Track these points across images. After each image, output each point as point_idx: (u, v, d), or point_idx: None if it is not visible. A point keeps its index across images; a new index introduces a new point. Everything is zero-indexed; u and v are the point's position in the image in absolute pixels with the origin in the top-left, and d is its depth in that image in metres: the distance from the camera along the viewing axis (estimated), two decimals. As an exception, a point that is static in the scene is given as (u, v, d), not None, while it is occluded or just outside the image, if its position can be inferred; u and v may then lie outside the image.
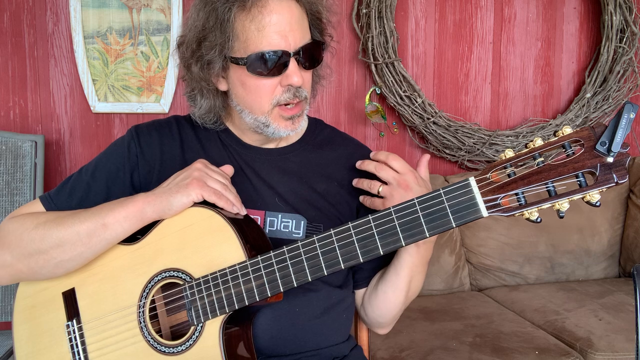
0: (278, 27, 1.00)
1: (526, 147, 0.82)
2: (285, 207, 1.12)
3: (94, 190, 1.12)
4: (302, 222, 1.11)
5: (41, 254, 1.04)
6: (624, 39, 2.69)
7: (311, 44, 1.05)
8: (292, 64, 1.02)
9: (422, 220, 0.87)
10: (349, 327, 1.23)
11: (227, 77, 1.09)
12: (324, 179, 1.16)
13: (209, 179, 1.02)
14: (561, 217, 0.79)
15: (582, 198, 0.79)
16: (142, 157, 1.14)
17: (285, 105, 1.06)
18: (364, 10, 2.55)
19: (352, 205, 1.17)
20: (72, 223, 1.03)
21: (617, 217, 2.68)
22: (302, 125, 1.12)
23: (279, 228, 1.11)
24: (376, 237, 0.90)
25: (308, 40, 1.05)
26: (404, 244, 0.89)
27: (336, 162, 1.18)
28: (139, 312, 1.03)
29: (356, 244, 0.91)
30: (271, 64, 1.02)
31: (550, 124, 2.74)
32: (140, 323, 1.03)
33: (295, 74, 1.02)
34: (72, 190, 1.13)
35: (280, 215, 1.11)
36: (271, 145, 1.17)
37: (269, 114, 1.06)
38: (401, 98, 2.59)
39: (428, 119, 2.60)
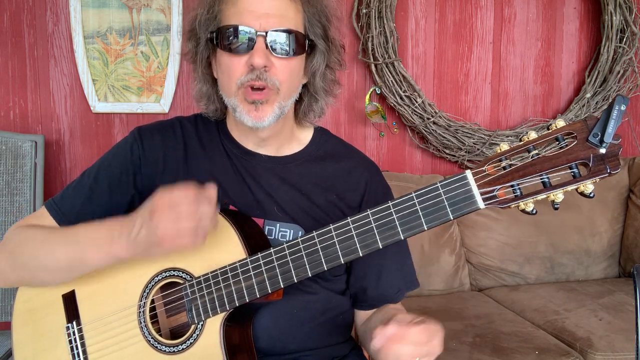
0: (252, 7, 1.02)
1: (521, 140, 0.82)
2: (284, 216, 1.11)
3: (97, 193, 1.12)
4: (300, 232, 1.11)
5: (28, 270, 1.08)
6: (624, 39, 2.69)
7: (287, 31, 1.03)
8: (258, 44, 1.02)
9: (420, 213, 0.87)
10: (349, 329, 1.23)
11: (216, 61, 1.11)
12: (323, 191, 1.15)
13: (178, 221, 0.89)
14: (556, 209, 0.80)
15: (576, 189, 0.80)
16: (144, 160, 1.13)
17: (250, 88, 1.04)
18: (364, 10, 2.56)
19: None
20: (55, 250, 1.04)
21: (617, 217, 2.67)
22: (270, 119, 1.05)
23: (276, 237, 1.10)
24: (375, 231, 0.90)
25: (284, 27, 1.03)
26: (402, 237, 0.89)
27: (338, 175, 1.17)
28: (139, 312, 1.03)
29: (355, 239, 0.91)
30: (237, 40, 1.02)
31: (550, 124, 2.73)
32: (141, 323, 1.03)
33: (257, 54, 1.01)
34: (75, 194, 1.13)
35: (278, 225, 1.11)
36: (270, 151, 1.16)
37: (235, 95, 1.05)
38: (401, 98, 2.59)
39: (428, 119, 2.60)
